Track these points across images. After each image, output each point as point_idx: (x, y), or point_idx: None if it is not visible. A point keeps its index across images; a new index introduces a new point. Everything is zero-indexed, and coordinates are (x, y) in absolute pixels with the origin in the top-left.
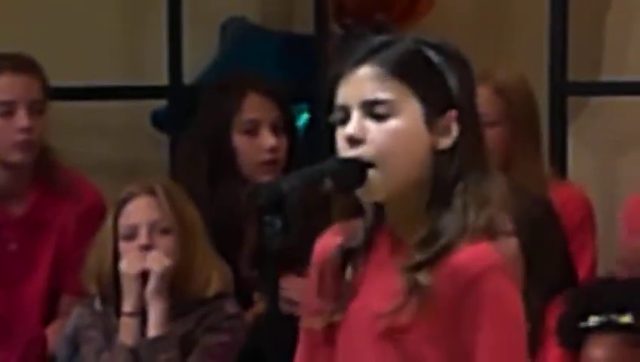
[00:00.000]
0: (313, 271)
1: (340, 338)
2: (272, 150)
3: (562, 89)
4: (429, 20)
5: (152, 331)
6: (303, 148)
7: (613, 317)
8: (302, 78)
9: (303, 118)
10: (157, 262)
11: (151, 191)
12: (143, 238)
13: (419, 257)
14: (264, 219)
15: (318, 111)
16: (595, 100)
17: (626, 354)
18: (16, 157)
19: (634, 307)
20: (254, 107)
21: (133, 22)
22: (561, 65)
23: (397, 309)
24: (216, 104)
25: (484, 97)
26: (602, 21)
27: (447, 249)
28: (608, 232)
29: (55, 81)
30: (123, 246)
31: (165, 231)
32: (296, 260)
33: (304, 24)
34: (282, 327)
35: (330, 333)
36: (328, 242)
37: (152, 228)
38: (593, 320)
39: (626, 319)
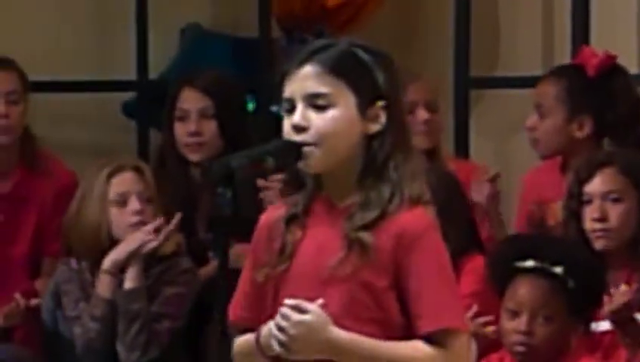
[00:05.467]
0: (258, 234)
1: (287, 288)
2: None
3: (466, 83)
4: (355, 27)
5: (129, 284)
6: (251, 131)
7: (547, 265)
8: (248, 73)
9: (251, 106)
10: (151, 239)
11: (136, 167)
12: (135, 204)
13: (363, 220)
14: (216, 191)
15: (263, 101)
16: (490, 93)
17: (545, 297)
18: None
19: (566, 262)
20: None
21: (106, 25)
22: (464, 62)
23: (340, 261)
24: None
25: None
26: (497, 26)
27: (388, 213)
28: (505, 205)
29: (40, 76)
30: (114, 211)
31: (149, 201)
32: (245, 230)
33: (249, 29)
34: (230, 284)
35: (271, 286)
36: (273, 213)
37: (140, 197)
38: (530, 264)
39: (558, 270)
